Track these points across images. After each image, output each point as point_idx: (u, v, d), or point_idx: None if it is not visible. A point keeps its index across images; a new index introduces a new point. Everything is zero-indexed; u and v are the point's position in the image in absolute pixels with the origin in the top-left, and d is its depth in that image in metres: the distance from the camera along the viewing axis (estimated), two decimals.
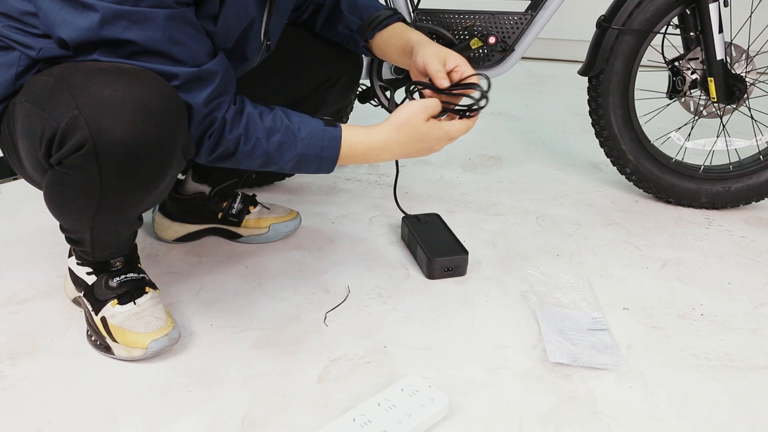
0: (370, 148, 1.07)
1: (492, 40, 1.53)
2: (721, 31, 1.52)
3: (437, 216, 1.51)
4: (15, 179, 1.71)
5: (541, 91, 2.73)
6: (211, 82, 0.98)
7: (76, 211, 1.01)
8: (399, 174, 1.49)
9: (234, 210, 1.45)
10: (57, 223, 1.10)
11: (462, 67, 1.13)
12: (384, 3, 1.56)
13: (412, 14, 1.56)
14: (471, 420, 1.00)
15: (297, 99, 1.35)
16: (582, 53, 1.68)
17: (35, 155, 0.97)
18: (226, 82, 1.01)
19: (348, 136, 1.06)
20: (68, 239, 1.13)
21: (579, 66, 1.67)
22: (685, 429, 1.00)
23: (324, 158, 1.06)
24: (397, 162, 1.43)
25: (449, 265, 1.35)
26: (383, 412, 0.96)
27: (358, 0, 1.30)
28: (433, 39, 1.53)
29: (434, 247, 1.37)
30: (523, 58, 1.62)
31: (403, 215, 1.52)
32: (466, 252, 1.37)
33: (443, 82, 1.12)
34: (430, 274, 1.35)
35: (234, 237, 1.48)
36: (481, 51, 1.57)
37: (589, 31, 1.65)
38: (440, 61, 1.14)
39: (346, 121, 1.75)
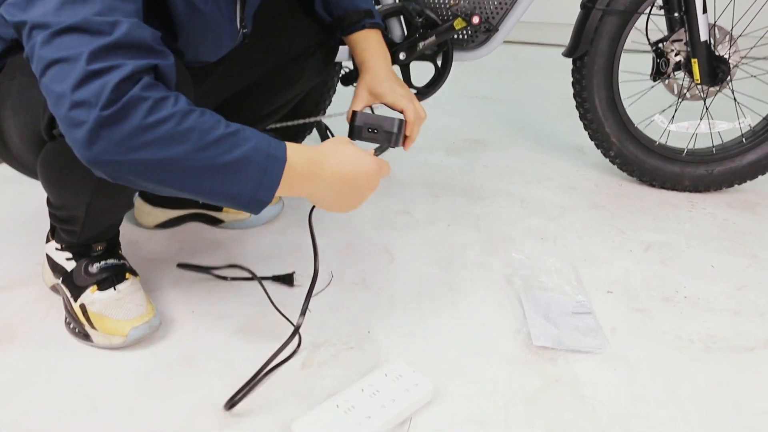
0: (312, 156, 0.92)
1: (476, 20, 1.51)
2: (705, 11, 1.51)
3: None
4: None
5: (525, 75, 2.72)
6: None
7: (76, 184, 0.99)
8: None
9: None
10: (34, 211, 1.08)
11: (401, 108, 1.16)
12: None
13: None
14: (456, 404, 1.00)
15: (276, 68, 1.32)
16: (566, 37, 1.66)
17: (33, 128, 0.94)
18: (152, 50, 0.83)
19: (295, 148, 0.91)
20: (55, 218, 1.11)
21: (563, 50, 1.65)
22: (669, 411, 1.00)
23: (269, 167, 0.86)
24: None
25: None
26: (367, 397, 0.96)
27: None
28: (417, 19, 1.52)
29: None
30: (506, 41, 1.61)
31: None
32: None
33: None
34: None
35: (216, 222, 1.46)
36: (465, 32, 1.56)
37: (573, 15, 1.63)
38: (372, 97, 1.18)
39: (329, 104, 1.73)
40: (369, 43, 1.24)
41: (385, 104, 1.18)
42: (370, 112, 1.17)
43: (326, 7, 1.27)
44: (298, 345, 1.10)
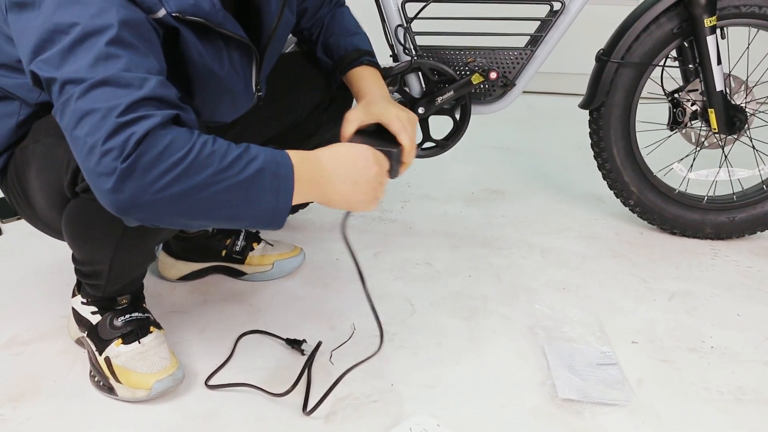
0: (308, 155, 0.96)
1: (493, 75, 1.54)
2: (719, 62, 1.53)
3: None
4: (18, 219, 1.70)
5: (542, 125, 2.75)
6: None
7: (99, 239, 1.01)
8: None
9: (237, 247, 1.45)
10: (60, 264, 1.10)
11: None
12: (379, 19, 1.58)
13: (414, 54, 1.57)
14: None
15: (292, 124, 1.35)
16: (581, 86, 1.69)
17: (56, 187, 0.98)
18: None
19: (293, 151, 0.94)
20: (81, 273, 1.13)
21: (578, 99, 1.67)
22: None
23: (281, 173, 0.90)
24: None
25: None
26: None
27: (330, 40, 1.30)
28: (434, 75, 1.55)
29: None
30: (522, 92, 1.63)
31: None
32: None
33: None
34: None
35: (238, 275, 1.47)
36: (482, 86, 1.58)
37: (588, 65, 1.66)
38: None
39: None
40: (367, 76, 1.25)
41: (380, 123, 1.15)
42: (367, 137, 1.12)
43: (326, 51, 1.30)
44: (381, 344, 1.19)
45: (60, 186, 0.98)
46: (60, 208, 1.01)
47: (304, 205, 1.73)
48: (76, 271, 1.14)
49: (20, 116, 1.00)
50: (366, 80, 1.24)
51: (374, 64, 1.28)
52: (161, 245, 1.45)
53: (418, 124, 1.61)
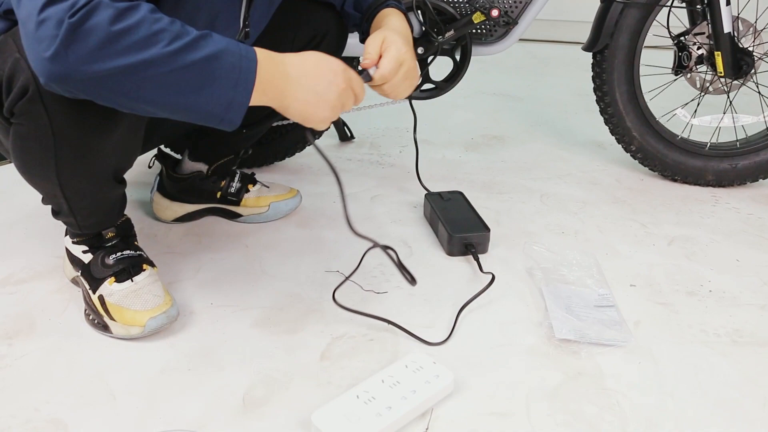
0: (276, 56, 0.90)
1: (495, 13, 1.50)
2: (728, 3, 1.49)
3: (460, 193, 1.50)
4: (8, 163, 1.68)
5: (543, 72, 2.70)
6: None
7: (38, 166, 0.98)
8: (419, 154, 1.52)
9: (232, 189, 1.43)
10: None
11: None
12: None
13: None
14: (477, 396, 0.98)
15: None
16: (583, 34, 1.65)
17: None
18: None
19: (260, 49, 0.89)
20: (52, 212, 1.11)
21: (579, 47, 1.64)
22: (695, 405, 0.98)
23: (242, 66, 0.85)
24: (416, 140, 1.48)
25: (470, 242, 1.32)
26: (387, 388, 0.94)
27: None
28: (436, 14, 1.51)
29: (456, 223, 1.36)
30: (523, 39, 1.60)
31: (426, 192, 1.50)
32: (487, 229, 1.35)
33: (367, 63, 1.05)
34: (451, 250, 1.33)
35: (233, 216, 1.45)
36: (484, 25, 1.54)
37: (590, 12, 1.62)
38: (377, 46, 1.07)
39: None
40: (388, 14, 1.18)
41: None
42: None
43: (356, 5, 1.25)
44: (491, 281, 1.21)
45: None
46: (7, 135, 0.97)
47: (318, 134, 1.70)
48: (51, 210, 1.12)
49: None
50: (387, 17, 1.17)
51: (399, 7, 1.21)
52: (155, 187, 1.43)
53: (418, 64, 1.58)
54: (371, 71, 1.03)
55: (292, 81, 0.91)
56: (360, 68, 1.05)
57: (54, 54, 0.75)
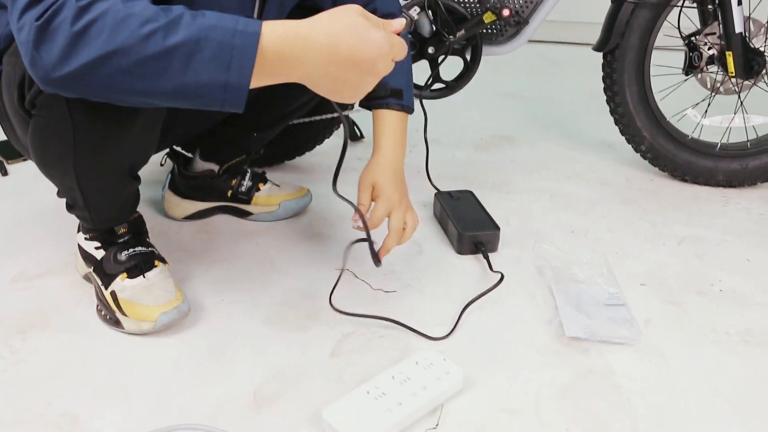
0: (296, 31, 0.78)
1: (506, 12, 1.50)
2: (740, 3, 1.48)
3: (470, 193, 1.50)
4: (24, 160, 1.69)
5: (552, 73, 2.70)
6: None
7: (56, 159, 0.99)
8: (429, 153, 1.56)
9: (243, 187, 1.43)
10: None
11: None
12: None
13: None
14: (487, 393, 0.98)
15: None
16: (592, 35, 1.65)
17: (15, 106, 0.95)
18: None
19: (273, 22, 0.79)
20: (67, 206, 1.12)
21: (589, 48, 1.64)
22: (706, 404, 0.98)
23: (235, 45, 0.76)
24: (426, 139, 1.50)
25: (480, 240, 1.33)
26: (398, 385, 0.95)
27: None
28: (447, 14, 1.51)
29: (465, 222, 1.36)
30: (533, 40, 1.59)
31: (436, 191, 1.51)
32: (497, 228, 1.35)
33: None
34: (461, 249, 1.34)
35: (244, 215, 1.46)
36: (494, 25, 1.55)
37: (600, 13, 1.62)
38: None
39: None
40: (386, 125, 1.21)
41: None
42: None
43: None
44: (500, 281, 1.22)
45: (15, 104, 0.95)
46: (26, 128, 0.98)
47: (350, 106, 1.66)
48: (66, 205, 1.13)
49: (6, 28, 0.97)
50: (385, 135, 1.21)
51: (401, 107, 1.21)
52: (167, 185, 1.44)
53: (429, 64, 1.59)
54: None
55: (313, 64, 0.79)
56: (353, 219, 1.14)
57: (31, 59, 0.75)
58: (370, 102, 1.21)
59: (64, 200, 1.13)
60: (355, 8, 0.81)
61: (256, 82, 0.78)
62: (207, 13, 0.77)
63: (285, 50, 0.78)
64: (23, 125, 0.98)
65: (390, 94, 1.20)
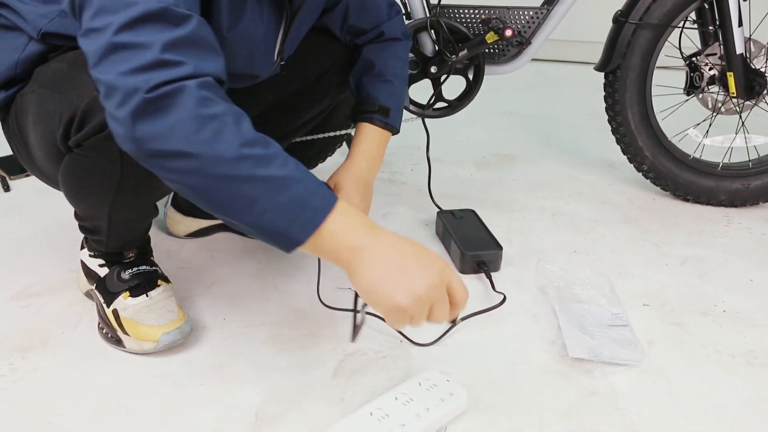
0: (367, 220, 0.84)
1: (508, 33, 1.51)
2: (740, 24, 1.49)
3: (473, 212, 1.50)
4: (26, 176, 1.69)
5: (554, 92, 2.71)
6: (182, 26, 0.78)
7: (95, 195, 1.00)
8: (431, 172, 1.56)
9: None
10: (69, 219, 1.09)
11: None
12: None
13: (428, 12, 1.54)
14: (491, 415, 0.98)
15: (301, 87, 1.32)
16: (594, 54, 1.66)
17: (51, 141, 0.95)
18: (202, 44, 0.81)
19: (343, 202, 0.83)
20: (83, 228, 1.12)
21: (590, 68, 1.64)
22: (711, 425, 0.97)
23: (318, 197, 0.79)
24: (429, 158, 1.53)
25: (482, 259, 1.32)
26: (401, 406, 0.94)
27: (363, 79, 1.25)
28: (449, 33, 1.52)
29: (468, 241, 1.36)
30: (534, 59, 1.60)
31: (438, 210, 1.51)
32: (500, 247, 1.35)
33: None
34: (463, 268, 1.33)
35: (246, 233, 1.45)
36: (497, 45, 1.55)
37: (602, 32, 1.63)
38: None
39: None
40: (365, 138, 1.23)
41: None
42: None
43: (357, 85, 1.27)
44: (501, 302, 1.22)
45: (54, 139, 0.96)
46: (56, 161, 0.99)
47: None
48: (79, 226, 1.13)
49: (24, 53, 0.97)
50: (361, 145, 1.22)
51: (385, 125, 1.23)
52: (169, 202, 1.44)
53: (431, 83, 1.60)
54: None
55: (375, 250, 0.81)
56: None
57: (122, 120, 0.74)
58: (357, 115, 1.23)
59: (66, 217, 1.13)
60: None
61: (311, 244, 0.80)
62: (298, 164, 0.80)
63: (350, 222, 0.81)
64: (53, 157, 0.98)
65: (377, 110, 1.22)
